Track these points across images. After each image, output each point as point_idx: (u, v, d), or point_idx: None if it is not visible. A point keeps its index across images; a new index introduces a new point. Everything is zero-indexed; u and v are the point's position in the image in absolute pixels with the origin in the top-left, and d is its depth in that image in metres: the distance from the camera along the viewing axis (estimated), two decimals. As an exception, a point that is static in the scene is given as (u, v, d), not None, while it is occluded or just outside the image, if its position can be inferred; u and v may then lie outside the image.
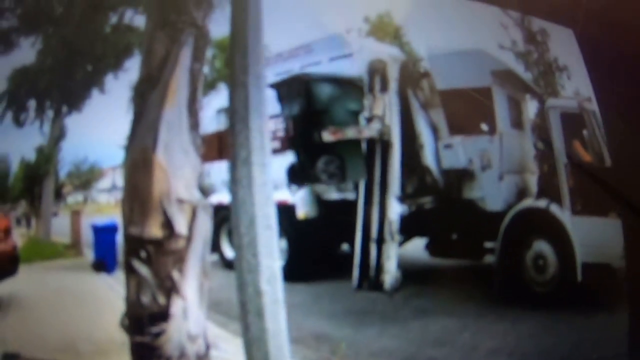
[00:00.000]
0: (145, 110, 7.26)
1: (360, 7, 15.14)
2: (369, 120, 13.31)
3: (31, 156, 18.67)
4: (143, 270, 6.99)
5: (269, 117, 7.92)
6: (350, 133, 12.73)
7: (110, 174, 19.64)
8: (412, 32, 15.04)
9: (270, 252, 7.31)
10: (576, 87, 13.65)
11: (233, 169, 7.41)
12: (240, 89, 7.46)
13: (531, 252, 12.54)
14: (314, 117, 12.84)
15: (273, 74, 14.16)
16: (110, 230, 15.24)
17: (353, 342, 11.13)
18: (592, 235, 11.83)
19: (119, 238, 14.52)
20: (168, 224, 6.97)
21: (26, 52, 16.09)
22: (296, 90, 12.99)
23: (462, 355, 10.46)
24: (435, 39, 14.36)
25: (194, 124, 7.45)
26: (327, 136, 12.53)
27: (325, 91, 12.92)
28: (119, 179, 18.37)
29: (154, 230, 6.92)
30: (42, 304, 12.58)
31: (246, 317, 7.36)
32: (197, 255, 7.20)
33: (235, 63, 7.54)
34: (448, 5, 13.52)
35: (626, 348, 8.56)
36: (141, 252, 6.98)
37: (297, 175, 13.46)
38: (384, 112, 13.23)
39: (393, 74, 13.48)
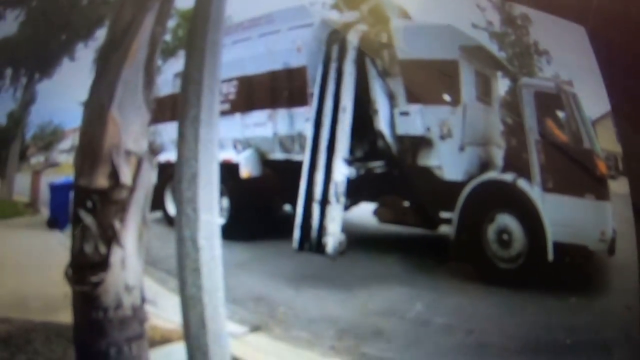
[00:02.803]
0: (106, 70, 7.41)
1: None
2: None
3: (3, 121, 19.13)
4: (88, 219, 7.10)
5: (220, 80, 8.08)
6: None
7: (72, 135, 19.84)
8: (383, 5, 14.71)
9: (210, 207, 7.43)
10: (556, 72, 13.72)
11: (181, 127, 7.54)
12: (196, 53, 7.55)
13: (494, 226, 12.51)
14: None
15: (231, 41, 14.93)
16: (65, 187, 15.30)
17: (292, 306, 11.27)
18: (566, 215, 11.83)
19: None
20: (114, 175, 7.09)
21: (10, 24, 16.40)
22: None
23: (412, 329, 10.33)
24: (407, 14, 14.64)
25: (149, 83, 7.54)
26: None
27: None
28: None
29: (101, 180, 7.00)
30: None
31: (183, 272, 7.42)
32: (139, 206, 7.30)
33: (196, 29, 7.74)
34: None
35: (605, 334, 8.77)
36: (87, 202, 7.10)
37: None
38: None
39: (352, 43, 13.61)
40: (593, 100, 11.74)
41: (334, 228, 12.73)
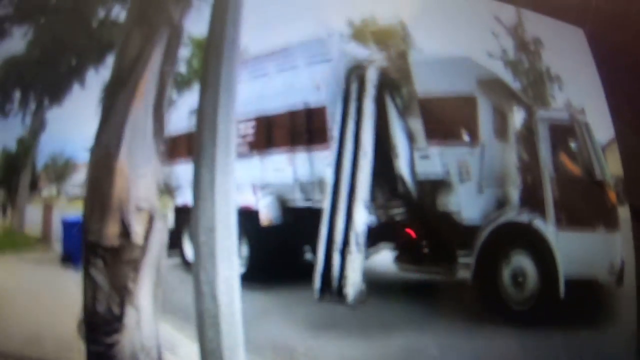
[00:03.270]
0: (113, 111, 7.09)
1: (344, 10, 14.56)
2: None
3: (13, 146, 18.48)
4: (99, 278, 6.83)
5: (237, 121, 7.69)
6: None
7: (84, 169, 19.52)
8: (398, 37, 14.35)
9: (230, 262, 7.15)
10: (567, 98, 13.28)
11: (196, 175, 7.23)
12: (210, 90, 7.27)
13: (509, 268, 12.13)
14: None
15: (250, 76, 14.36)
16: (78, 225, 14.63)
17: (312, 354, 10.92)
18: (578, 250, 11.53)
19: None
20: (125, 232, 6.82)
21: (17, 42, 15.99)
22: None
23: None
24: (422, 44, 14.16)
25: (159, 129, 7.24)
26: None
27: None
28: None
29: (111, 237, 6.76)
30: (9, 295, 12.41)
31: (202, 327, 7.17)
32: (153, 266, 7.01)
33: (208, 63, 7.38)
34: (437, 10, 13.14)
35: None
36: (98, 259, 6.82)
37: None
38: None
39: (372, 80, 13.19)
40: (600, 125, 11.55)
41: (355, 277, 12.35)
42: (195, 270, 7.08)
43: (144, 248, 6.88)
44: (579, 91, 12.41)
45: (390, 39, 14.02)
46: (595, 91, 9.67)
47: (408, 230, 13.94)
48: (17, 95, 17.31)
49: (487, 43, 13.88)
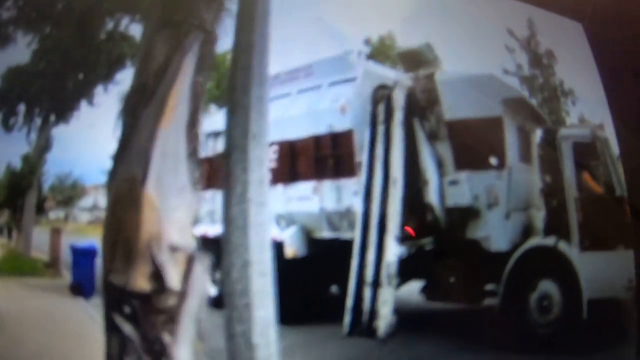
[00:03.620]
0: (136, 129, 6.40)
1: (361, 29, 14.41)
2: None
3: (17, 164, 17.82)
4: (127, 328, 6.08)
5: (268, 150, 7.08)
6: None
7: (93, 192, 18.84)
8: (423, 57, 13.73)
9: (265, 302, 6.56)
10: (581, 113, 13.17)
11: (227, 206, 6.62)
12: (240, 112, 6.66)
13: (536, 294, 11.83)
14: None
15: (270, 97, 13.51)
16: (89, 253, 14.27)
17: None
18: (599, 271, 11.26)
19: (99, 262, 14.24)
20: (158, 276, 6.08)
21: (22, 51, 15.42)
22: None
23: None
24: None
25: (192, 152, 6.55)
26: None
27: None
28: (101, 199, 17.79)
29: (141, 281, 6.00)
30: (17, 323, 11.77)
31: None
32: (192, 316, 6.31)
33: (236, 82, 6.76)
34: (452, 27, 13.07)
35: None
36: (125, 306, 6.09)
37: None
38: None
39: (399, 102, 12.63)
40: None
41: (385, 311, 11.84)
42: (227, 309, 6.49)
43: (181, 295, 6.11)
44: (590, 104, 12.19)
45: (416, 59, 13.26)
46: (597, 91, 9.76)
47: (437, 260, 13.18)
48: (21, 108, 16.76)
49: (503, 59, 13.66)
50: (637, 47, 8.38)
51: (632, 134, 9.52)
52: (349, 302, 12.17)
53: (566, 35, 10.58)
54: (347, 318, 12.10)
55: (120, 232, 6.04)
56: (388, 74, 13.69)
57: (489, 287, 12.63)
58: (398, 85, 12.89)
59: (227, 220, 6.49)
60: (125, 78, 14.70)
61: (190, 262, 6.22)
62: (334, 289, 14.57)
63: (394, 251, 12.09)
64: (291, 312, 12.01)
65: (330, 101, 13.61)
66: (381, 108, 12.75)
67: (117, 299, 6.04)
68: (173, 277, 6.05)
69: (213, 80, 15.92)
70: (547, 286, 11.72)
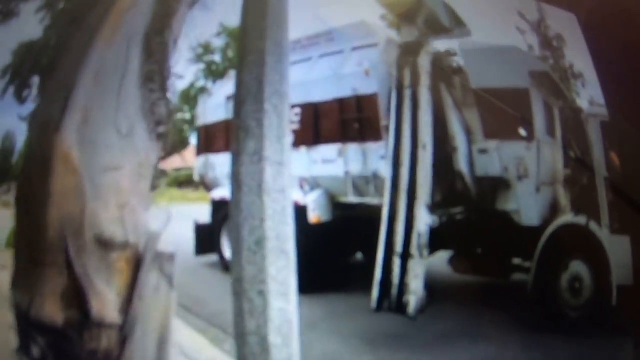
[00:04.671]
0: (67, 47, 4.16)
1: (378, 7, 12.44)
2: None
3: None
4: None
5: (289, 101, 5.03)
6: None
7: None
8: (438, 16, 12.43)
9: (285, 290, 4.41)
10: (591, 96, 11.62)
11: (236, 166, 4.50)
12: (253, 58, 4.56)
13: (567, 274, 10.36)
14: None
15: (291, 62, 12.09)
16: None
17: None
18: (628, 256, 9.73)
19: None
20: (75, 295, 3.68)
21: (32, 25, 13.85)
22: None
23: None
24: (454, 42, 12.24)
25: (153, 74, 4.24)
26: None
27: None
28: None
29: (50, 305, 3.59)
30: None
31: None
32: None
33: (249, 24, 4.70)
34: (465, 7, 11.58)
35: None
36: (32, 346, 3.68)
37: None
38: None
39: (425, 67, 10.91)
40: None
41: (416, 285, 10.24)
42: (236, 299, 4.35)
43: (122, 330, 3.75)
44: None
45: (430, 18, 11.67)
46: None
47: (467, 230, 12.02)
48: (35, 81, 15.26)
49: (514, 39, 12.58)
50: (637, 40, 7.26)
51: (634, 129, 8.35)
52: (377, 274, 10.57)
53: (574, 21, 9.02)
54: (375, 292, 10.51)
55: (27, 216, 3.69)
56: (413, 39, 11.74)
57: (517, 261, 11.54)
58: (423, 50, 11.18)
59: (237, 183, 4.41)
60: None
61: (137, 268, 3.87)
62: (359, 256, 13.92)
63: (424, 220, 10.47)
64: (314, 281, 10.71)
65: (354, 65, 12.20)
66: (407, 72, 11.03)
67: (22, 332, 3.66)
68: (105, 298, 3.66)
69: (234, 50, 14.86)
70: (579, 267, 10.34)
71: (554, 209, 11.34)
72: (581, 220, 10.42)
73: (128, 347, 3.63)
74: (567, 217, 10.87)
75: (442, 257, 12.34)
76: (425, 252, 10.44)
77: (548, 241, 10.65)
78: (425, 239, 10.41)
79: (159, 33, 4.15)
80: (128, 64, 3.93)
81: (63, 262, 3.43)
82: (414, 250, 10.33)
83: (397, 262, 10.42)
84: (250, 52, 4.71)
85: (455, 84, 11.64)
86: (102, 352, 3.50)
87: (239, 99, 4.67)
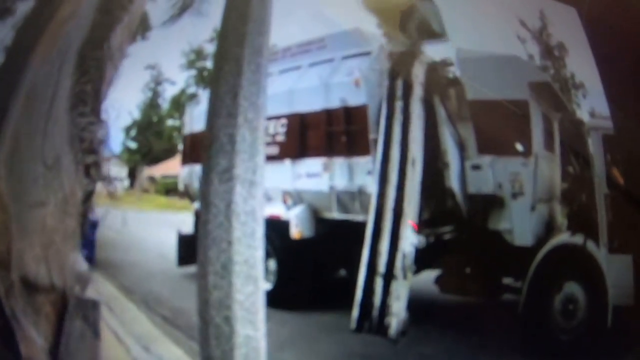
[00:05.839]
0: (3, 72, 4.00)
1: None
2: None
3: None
4: None
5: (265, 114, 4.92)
6: None
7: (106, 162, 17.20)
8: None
9: (252, 317, 4.34)
10: (592, 107, 11.84)
11: (204, 185, 4.42)
12: (230, 66, 4.45)
13: (561, 295, 10.23)
14: None
15: (278, 70, 12.57)
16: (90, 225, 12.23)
17: None
18: (625, 275, 9.78)
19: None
20: (5, 338, 3.58)
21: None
22: None
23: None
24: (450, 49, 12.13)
25: (88, 112, 4.08)
26: None
27: None
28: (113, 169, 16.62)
29: None
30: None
31: None
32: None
33: (229, 29, 4.60)
34: (464, 15, 12.08)
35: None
36: None
37: None
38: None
39: (419, 77, 10.91)
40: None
41: (398, 307, 10.01)
42: (201, 326, 4.25)
43: None
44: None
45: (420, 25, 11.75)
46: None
47: (456, 250, 11.94)
48: None
49: (515, 49, 12.66)
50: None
51: (630, 123, 8.53)
52: (358, 294, 10.39)
53: (577, 29, 9.02)
54: (355, 312, 10.29)
55: None
56: (407, 48, 11.84)
57: (508, 281, 11.48)
58: (417, 60, 11.21)
59: (205, 203, 4.27)
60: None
61: (63, 313, 3.74)
62: (342, 273, 13.75)
63: (410, 240, 10.27)
64: (294, 297, 11.87)
65: (344, 74, 12.07)
66: (399, 83, 11.00)
67: None
68: (33, 342, 3.54)
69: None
70: (573, 289, 10.26)
71: (549, 228, 11.26)
72: (578, 240, 10.33)
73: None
74: (563, 237, 10.83)
75: (427, 276, 12.27)
76: (409, 274, 10.29)
77: (542, 262, 10.51)
78: (409, 260, 10.24)
79: (95, 47, 3.90)
80: (59, 84, 3.72)
81: None
82: (397, 271, 10.18)
83: (379, 283, 10.28)
84: (226, 59, 4.58)
85: (450, 95, 11.53)
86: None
87: (211, 111, 4.54)
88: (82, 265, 3.98)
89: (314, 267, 12.56)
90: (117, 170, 32.27)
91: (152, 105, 39.12)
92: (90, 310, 3.90)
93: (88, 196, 3.92)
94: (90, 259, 12.34)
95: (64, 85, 3.74)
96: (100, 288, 10.87)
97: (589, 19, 7.93)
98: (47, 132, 3.64)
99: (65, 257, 3.72)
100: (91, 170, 3.87)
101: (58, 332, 3.63)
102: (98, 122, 3.95)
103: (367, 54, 11.95)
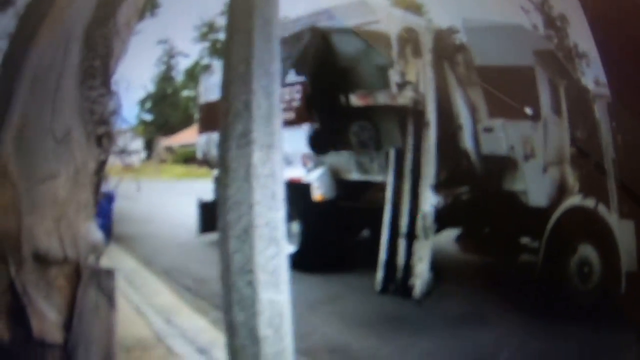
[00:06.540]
0: (8, 56, 3.87)
1: None
2: (401, 86, 10.75)
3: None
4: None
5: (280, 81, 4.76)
6: (381, 98, 10.85)
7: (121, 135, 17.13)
8: (433, 10, 13.41)
9: (275, 280, 4.20)
10: (596, 76, 11.50)
11: (222, 150, 4.31)
12: (241, 37, 4.33)
13: (576, 257, 10.12)
14: (338, 76, 11.23)
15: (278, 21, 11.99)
16: (106, 197, 12.47)
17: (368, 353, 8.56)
18: (635, 241, 9.40)
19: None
20: (15, 314, 3.41)
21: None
22: (313, 45, 11.12)
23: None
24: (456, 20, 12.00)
25: (98, 84, 3.94)
26: (356, 100, 11.02)
27: (348, 44, 11.32)
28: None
29: None
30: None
31: None
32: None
33: (237, 2, 4.51)
34: None
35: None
36: None
37: (321, 142, 11.75)
38: (417, 78, 10.68)
39: (427, 44, 10.76)
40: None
41: (421, 268, 10.08)
42: (224, 290, 4.12)
43: (66, 351, 3.48)
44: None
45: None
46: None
47: (473, 210, 11.87)
48: None
49: (519, 19, 12.83)
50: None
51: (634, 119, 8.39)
52: (382, 255, 10.50)
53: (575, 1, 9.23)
54: (379, 274, 10.46)
55: None
56: (411, 18, 12.14)
57: (525, 241, 11.58)
58: (424, 28, 11.14)
59: (224, 168, 4.19)
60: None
61: (77, 282, 3.62)
62: (365, 234, 13.73)
63: (429, 200, 10.30)
64: (319, 260, 11.92)
65: None
66: (408, 49, 11.00)
67: None
68: (45, 317, 3.41)
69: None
70: (587, 251, 10.07)
71: (561, 190, 11.29)
72: (589, 203, 10.20)
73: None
74: (575, 199, 10.68)
75: (449, 236, 12.36)
76: (431, 234, 10.25)
77: (556, 223, 10.45)
78: (430, 220, 10.22)
79: (102, 23, 3.75)
80: (66, 61, 3.57)
81: (5, 279, 3.23)
82: (419, 231, 10.18)
83: (402, 243, 10.32)
84: (237, 31, 4.48)
85: (459, 61, 11.29)
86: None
87: (226, 80, 4.45)
88: (96, 235, 3.83)
89: (337, 229, 12.54)
90: (134, 143, 32.51)
91: (166, 78, 39.23)
92: (104, 279, 3.74)
93: (101, 167, 3.77)
94: (108, 232, 12.44)
95: (71, 62, 3.60)
96: (120, 261, 10.72)
97: (593, 15, 7.79)
98: (56, 108, 3.51)
99: (78, 228, 3.57)
100: (103, 140, 3.72)
101: (72, 305, 3.49)
102: (108, 93, 3.81)
103: (375, 22, 11.66)
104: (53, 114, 3.52)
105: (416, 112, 10.39)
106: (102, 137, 3.73)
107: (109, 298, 3.74)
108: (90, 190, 3.66)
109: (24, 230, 3.34)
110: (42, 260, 3.38)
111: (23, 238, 3.34)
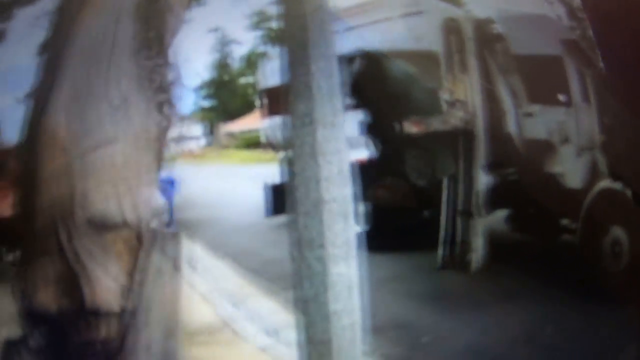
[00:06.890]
0: (56, 30, 3.68)
1: None
2: (451, 104, 10.89)
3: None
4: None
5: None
6: (435, 124, 11.00)
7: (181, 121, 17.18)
8: (469, 2, 12.24)
9: (345, 253, 3.99)
10: None
11: (287, 130, 4.19)
12: (296, 22, 4.40)
13: (609, 238, 9.79)
14: (392, 103, 11.17)
15: (340, 29, 11.99)
16: (167, 184, 12.20)
17: (436, 334, 8.35)
18: None
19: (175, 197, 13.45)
20: (70, 282, 3.15)
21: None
22: (366, 71, 11.04)
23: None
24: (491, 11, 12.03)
25: (154, 55, 3.70)
26: (409, 127, 11.12)
27: (398, 69, 11.16)
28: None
29: (45, 293, 3.04)
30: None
31: (308, 345, 4.26)
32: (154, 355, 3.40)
33: None
34: None
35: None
36: (30, 337, 3.20)
37: (380, 170, 11.73)
38: (466, 96, 10.82)
39: (468, 33, 10.96)
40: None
41: (477, 243, 10.55)
42: (295, 266, 4.07)
43: (123, 319, 3.25)
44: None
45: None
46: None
47: (519, 190, 11.58)
48: None
49: (543, 9, 11.82)
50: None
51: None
52: (442, 233, 10.94)
53: None
54: (440, 251, 10.87)
55: (20, 201, 3.29)
56: (452, 9, 11.96)
57: (565, 222, 11.12)
58: (465, 18, 11.36)
59: (290, 146, 4.26)
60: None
61: (138, 251, 3.39)
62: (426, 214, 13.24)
63: (482, 180, 10.76)
64: (389, 237, 11.30)
65: (404, 29, 11.89)
66: (452, 39, 11.13)
67: (21, 323, 3.17)
68: (101, 285, 3.17)
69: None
70: (618, 232, 9.70)
71: (594, 173, 10.73)
72: (618, 185, 9.96)
73: (130, 337, 3.13)
74: (606, 182, 10.29)
75: (499, 217, 12.18)
76: (484, 211, 10.60)
77: (591, 203, 10.16)
78: (483, 198, 10.61)
79: (153, 1, 3.58)
80: (117, 34, 3.38)
81: (55, 248, 3.00)
82: (474, 209, 10.56)
83: (459, 222, 10.71)
84: (292, 17, 4.51)
85: (497, 50, 11.25)
86: (100, 342, 3.05)
87: (286, 64, 4.49)
88: (158, 199, 3.64)
89: (403, 209, 12.44)
90: (193, 129, 32.33)
91: (222, 65, 38.95)
92: (169, 243, 3.50)
93: (163, 133, 3.54)
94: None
95: (124, 34, 3.39)
96: (185, 247, 10.51)
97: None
98: (110, 77, 3.29)
99: (139, 192, 3.32)
100: (164, 107, 3.49)
101: (132, 272, 3.25)
102: (166, 64, 3.59)
103: (420, 12, 11.75)
104: (107, 82, 3.31)
105: (467, 132, 10.68)
106: (163, 104, 3.49)
107: (174, 262, 3.51)
108: (152, 156, 3.43)
109: (77, 196, 3.10)
110: (97, 226, 3.12)
111: (76, 204, 3.10)
